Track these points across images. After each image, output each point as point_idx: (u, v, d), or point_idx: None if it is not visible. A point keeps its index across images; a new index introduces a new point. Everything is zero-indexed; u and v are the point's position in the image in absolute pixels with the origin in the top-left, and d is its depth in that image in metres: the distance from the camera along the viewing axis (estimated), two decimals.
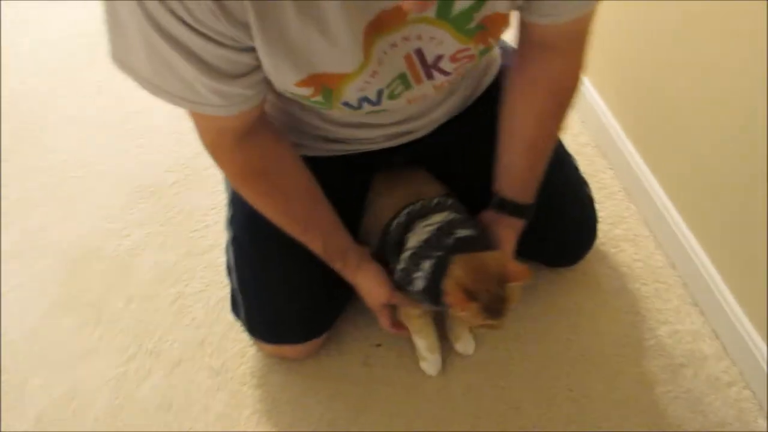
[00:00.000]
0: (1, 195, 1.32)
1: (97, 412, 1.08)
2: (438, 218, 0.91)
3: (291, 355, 1.10)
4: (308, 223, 0.92)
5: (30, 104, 1.50)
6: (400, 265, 0.90)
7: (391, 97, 0.82)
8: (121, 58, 0.69)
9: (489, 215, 0.97)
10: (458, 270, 0.83)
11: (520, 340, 1.13)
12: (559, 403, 1.06)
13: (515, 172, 0.95)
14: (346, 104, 0.81)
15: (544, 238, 1.08)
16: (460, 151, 1.05)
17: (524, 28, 0.85)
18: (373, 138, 0.97)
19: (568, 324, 1.15)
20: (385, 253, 0.96)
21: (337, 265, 0.96)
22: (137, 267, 1.24)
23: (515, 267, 0.84)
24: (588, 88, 1.45)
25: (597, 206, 1.23)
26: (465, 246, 0.87)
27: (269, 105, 0.92)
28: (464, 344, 1.11)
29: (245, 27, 0.65)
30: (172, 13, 0.61)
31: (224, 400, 1.08)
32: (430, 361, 1.08)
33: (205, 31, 0.64)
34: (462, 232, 0.89)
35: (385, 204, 0.99)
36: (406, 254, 0.90)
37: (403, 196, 0.98)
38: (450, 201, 0.96)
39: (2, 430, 1.05)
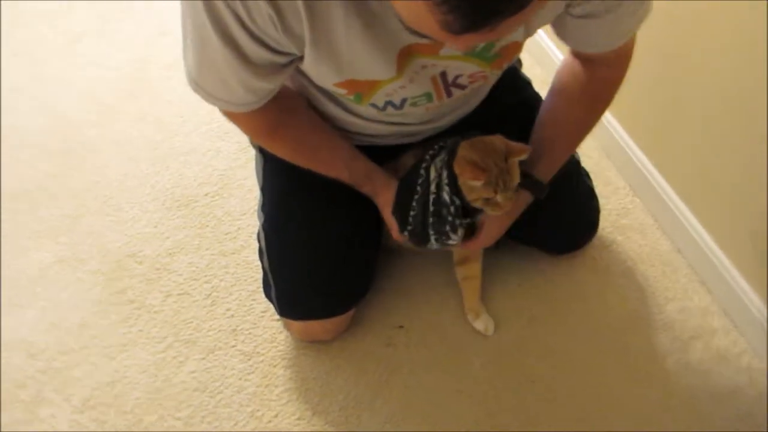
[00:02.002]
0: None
1: (138, 395, 1.15)
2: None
3: (319, 335, 1.17)
4: (330, 155, 1.02)
5: (83, 131, 1.64)
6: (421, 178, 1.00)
7: (413, 105, 0.94)
8: (183, 54, 0.81)
9: None
10: (465, 149, 0.96)
11: (535, 320, 1.19)
12: (575, 375, 1.11)
13: (540, 146, 1.02)
14: (373, 105, 0.93)
15: (544, 226, 1.15)
16: None
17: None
18: (384, 135, 1.07)
19: (578, 304, 1.21)
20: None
21: (366, 188, 1.04)
22: (174, 267, 1.33)
23: (516, 144, 0.96)
24: None
25: (603, 200, 1.32)
26: (469, 138, 0.99)
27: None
28: (484, 323, 1.17)
29: (299, 39, 0.75)
30: (235, 15, 0.71)
31: (256, 381, 1.15)
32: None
33: (259, 34, 0.74)
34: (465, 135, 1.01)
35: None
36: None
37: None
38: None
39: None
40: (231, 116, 0.93)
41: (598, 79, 0.98)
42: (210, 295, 1.29)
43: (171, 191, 1.48)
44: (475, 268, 1.18)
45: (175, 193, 1.48)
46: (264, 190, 1.14)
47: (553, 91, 1.04)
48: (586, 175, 1.23)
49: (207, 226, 1.41)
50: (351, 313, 1.16)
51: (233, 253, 1.34)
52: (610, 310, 1.19)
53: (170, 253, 1.36)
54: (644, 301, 1.20)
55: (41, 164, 1.57)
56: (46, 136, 1.64)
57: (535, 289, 1.23)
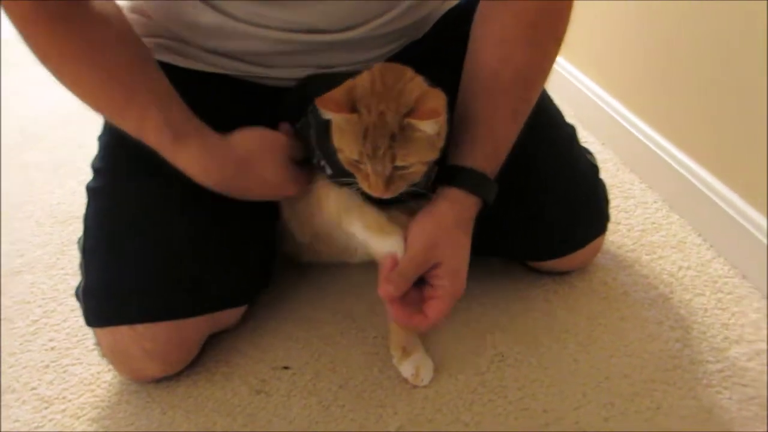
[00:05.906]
0: None
1: None
2: None
3: (140, 365, 0.73)
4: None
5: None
6: None
7: None
8: None
9: (435, 201, 0.66)
10: (371, 72, 0.63)
11: (503, 362, 0.72)
12: None
13: (474, 122, 0.66)
14: None
15: (527, 219, 0.75)
16: None
17: None
18: (266, 52, 0.74)
19: (575, 342, 0.74)
20: None
21: (161, 128, 0.65)
22: (8, 288, 0.96)
23: (433, 99, 0.60)
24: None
25: (623, 215, 0.90)
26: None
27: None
28: (414, 366, 0.72)
29: None
30: None
31: None
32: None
33: None
34: None
35: None
36: None
37: None
38: None
39: None
40: None
41: None
42: (37, 321, 0.89)
43: (55, 207, 1.16)
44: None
45: (58, 209, 1.16)
46: (101, 135, 0.82)
47: (475, 32, 0.69)
48: (587, 151, 0.83)
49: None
50: (195, 335, 0.74)
51: None
52: (631, 355, 0.72)
53: (14, 272, 1.00)
54: (688, 342, 0.72)
55: None
56: None
57: (509, 319, 0.78)
